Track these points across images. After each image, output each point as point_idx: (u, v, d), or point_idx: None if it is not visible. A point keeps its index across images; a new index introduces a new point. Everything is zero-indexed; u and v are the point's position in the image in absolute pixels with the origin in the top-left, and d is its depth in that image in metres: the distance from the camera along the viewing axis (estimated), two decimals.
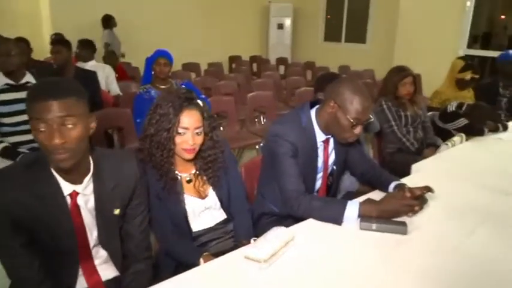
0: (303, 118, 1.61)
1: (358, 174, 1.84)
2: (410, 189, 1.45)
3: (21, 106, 2.41)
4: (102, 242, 1.23)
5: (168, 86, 3.11)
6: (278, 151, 1.55)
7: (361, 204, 1.43)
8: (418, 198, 1.45)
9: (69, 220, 1.13)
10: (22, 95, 2.44)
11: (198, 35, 7.61)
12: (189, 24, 7.51)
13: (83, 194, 1.16)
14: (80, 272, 1.21)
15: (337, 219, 1.40)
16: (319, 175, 1.69)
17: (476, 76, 3.23)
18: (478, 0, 5.61)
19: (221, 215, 1.55)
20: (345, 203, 1.42)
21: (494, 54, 5.37)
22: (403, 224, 1.37)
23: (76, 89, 1.06)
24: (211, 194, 1.52)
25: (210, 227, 1.52)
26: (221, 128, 3.99)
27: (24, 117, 2.42)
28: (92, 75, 3.38)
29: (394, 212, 1.42)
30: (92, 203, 1.18)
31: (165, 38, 6.98)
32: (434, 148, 2.58)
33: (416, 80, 2.72)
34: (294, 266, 1.17)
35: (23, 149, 2.43)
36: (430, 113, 2.99)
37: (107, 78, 3.97)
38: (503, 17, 6.44)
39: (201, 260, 1.36)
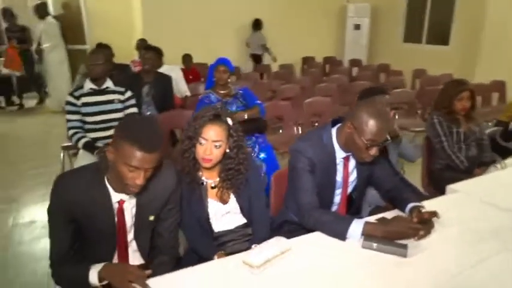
0: (324, 135, 1.71)
1: (383, 191, 1.87)
2: (419, 214, 1.47)
3: (101, 108, 2.86)
4: (136, 238, 1.50)
5: (227, 91, 3.35)
6: (297, 166, 1.68)
7: (367, 223, 1.49)
8: (426, 223, 1.47)
9: (113, 220, 1.42)
10: (102, 98, 2.89)
11: (274, 35, 7.81)
12: (264, 25, 7.75)
13: (128, 202, 1.43)
14: (115, 257, 1.49)
15: (341, 235, 1.49)
16: (339, 190, 1.77)
17: None
18: None
19: (241, 219, 1.73)
20: (351, 220, 1.50)
21: None
22: (405, 246, 1.41)
23: (160, 144, 1.29)
24: (233, 200, 1.70)
25: (230, 229, 1.71)
26: (280, 131, 4.17)
27: (103, 117, 2.87)
28: (168, 80, 3.79)
29: (399, 234, 1.46)
30: (134, 209, 1.45)
31: (237, 39, 7.34)
32: (486, 168, 2.44)
33: (474, 94, 2.58)
34: (286, 275, 1.30)
35: (100, 144, 2.86)
36: (492, 129, 2.82)
37: (176, 80, 4.37)
38: None
39: (215, 256, 1.56)
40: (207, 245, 1.65)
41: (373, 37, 8.55)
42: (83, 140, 2.79)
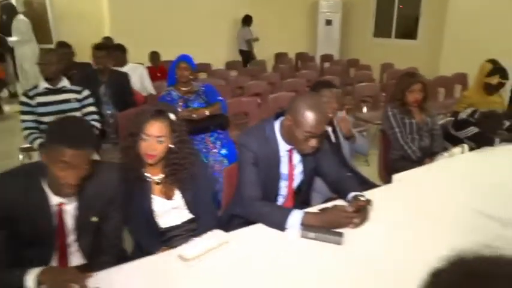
0: (267, 129, 1.73)
1: (329, 182, 1.91)
2: (355, 202, 1.51)
3: (57, 107, 2.81)
4: (78, 239, 1.48)
5: (189, 88, 3.34)
6: (241, 159, 1.70)
7: (306, 213, 1.52)
8: (359, 211, 1.51)
9: (52, 223, 1.40)
10: (58, 97, 2.84)
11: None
12: (236, 22, 7.74)
13: (69, 204, 1.42)
14: (55, 259, 1.48)
15: (281, 225, 1.51)
16: (284, 183, 1.80)
17: (504, 81, 3.05)
18: None
19: (187, 215, 1.73)
20: (290, 210, 1.53)
21: None
22: (340, 234, 1.44)
23: (90, 142, 1.30)
24: (178, 196, 1.70)
25: (177, 225, 1.72)
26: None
27: (60, 116, 2.81)
28: (124, 77, 3.74)
29: (335, 223, 1.50)
30: (74, 211, 1.43)
31: (212, 35, 7.33)
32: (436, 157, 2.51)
33: (426, 87, 2.65)
34: (223, 267, 1.31)
35: None
36: (446, 119, 2.90)
37: (140, 78, 4.34)
38: None
39: (159, 252, 1.56)
40: (152, 241, 1.65)
41: (345, 32, 8.65)
42: (38, 141, 2.74)
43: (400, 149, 2.64)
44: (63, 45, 4.28)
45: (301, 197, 1.91)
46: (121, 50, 4.43)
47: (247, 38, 7.49)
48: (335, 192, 1.87)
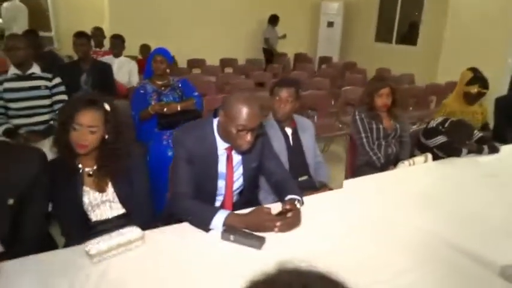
0: (205, 126, 1.69)
1: (271, 184, 1.86)
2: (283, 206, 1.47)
3: (26, 94, 2.79)
4: None
5: (164, 81, 3.30)
6: (175, 155, 1.65)
7: (230, 214, 1.47)
8: (286, 215, 1.45)
9: None
10: (27, 84, 2.81)
11: (249, 31, 7.78)
12: (237, 20, 7.69)
13: None
14: None
15: (205, 226, 1.46)
16: (222, 182, 1.74)
17: (484, 91, 2.94)
18: None
19: (120, 209, 1.69)
20: (215, 211, 1.48)
21: None
22: (261, 239, 1.38)
23: None
24: (111, 189, 1.66)
25: (108, 219, 1.67)
26: None
27: (28, 103, 2.79)
28: (107, 67, 3.73)
29: (257, 226, 1.44)
30: None
31: (213, 34, 7.29)
32: None
33: (395, 91, 2.57)
34: (127, 267, 1.26)
35: (23, 131, 2.79)
36: (417, 127, 2.81)
37: (129, 72, 4.34)
38: None
39: None
40: (81, 235, 1.61)
41: (346, 35, 8.55)
42: (4, 127, 2.72)
43: (366, 154, 2.57)
44: (31, 32, 4.28)
45: (245, 197, 1.85)
46: (121, 39, 4.49)
47: (266, 36, 7.56)
48: (276, 194, 1.82)
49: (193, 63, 6.39)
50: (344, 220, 1.62)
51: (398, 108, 2.65)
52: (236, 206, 1.80)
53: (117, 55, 4.47)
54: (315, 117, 4.34)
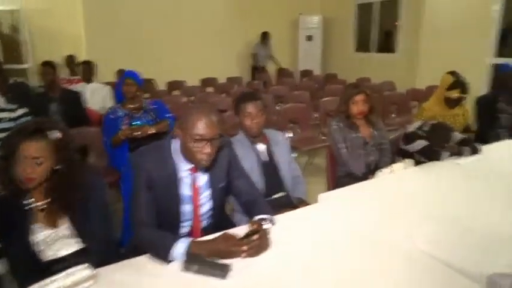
0: (164, 147, 1.58)
1: (241, 203, 1.75)
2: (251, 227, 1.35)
3: None
4: None
5: (137, 105, 3.20)
6: (134, 180, 1.53)
7: (191, 242, 1.34)
8: (250, 237, 1.33)
9: None
10: None
11: (228, 47, 7.77)
12: (218, 40, 7.68)
13: None
14: None
15: (164, 257, 1.33)
16: (188, 207, 1.62)
17: (465, 95, 2.89)
18: (507, 3, 5.01)
19: (75, 245, 1.55)
20: (175, 240, 1.35)
21: None
22: (225, 268, 1.26)
23: None
24: (66, 223, 1.53)
25: (62, 257, 1.53)
26: None
27: None
28: (75, 95, 3.63)
29: (223, 253, 1.32)
30: None
31: (193, 52, 7.27)
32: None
33: (370, 98, 2.49)
34: None
35: None
36: (397, 133, 2.73)
37: (103, 98, 4.24)
38: None
39: None
40: (34, 277, 1.46)
41: (326, 47, 8.59)
42: None
43: (345, 165, 2.47)
44: None
45: (216, 221, 1.73)
46: (88, 65, 4.42)
47: (253, 52, 7.71)
48: (246, 214, 1.70)
49: (173, 85, 6.32)
50: (318, 237, 1.50)
51: (375, 115, 2.57)
52: (207, 230, 1.67)
53: (88, 81, 4.38)
54: (298, 130, 4.27)
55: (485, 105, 3.25)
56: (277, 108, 4.48)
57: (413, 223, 1.58)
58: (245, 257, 1.33)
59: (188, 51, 7.28)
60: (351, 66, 7.78)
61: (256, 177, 2.08)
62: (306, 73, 7.61)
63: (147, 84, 6.44)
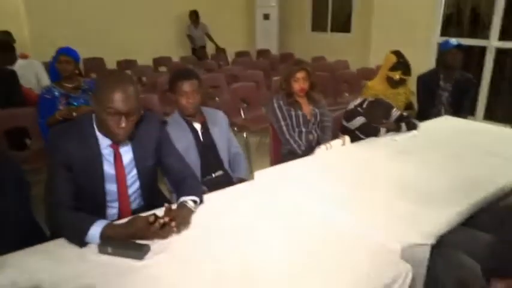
0: (84, 124, 1.49)
1: (170, 181, 1.70)
2: (168, 212, 1.31)
3: None
4: None
5: (75, 84, 3.02)
6: (49, 161, 1.44)
7: (108, 224, 1.29)
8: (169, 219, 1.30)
9: None
10: None
11: (181, 27, 7.52)
12: (171, 18, 7.41)
13: None
14: None
15: (79, 240, 1.27)
16: (112, 186, 1.55)
17: (406, 77, 2.94)
18: None
19: None
20: (91, 222, 1.28)
21: (473, 42, 4.97)
22: (144, 248, 1.22)
23: None
24: None
25: None
26: None
27: None
28: (8, 74, 3.38)
29: (139, 235, 1.27)
30: None
31: (144, 29, 6.97)
32: None
33: (310, 75, 2.48)
34: None
35: None
36: (340, 111, 2.75)
37: (36, 74, 3.97)
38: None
39: None
40: None
41: (283, 27, 8.52)
42: None
43: (287, 143, 2.47)
44: None
45: (148, 201, 1.67)
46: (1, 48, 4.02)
47: (187, 33, 7.34)
48: (175, 194, 1.65)
49: (122, 64, 6.05)
50: (245, 215, 1.49)
51: (317, 92, 2.57)
52: (139, 211, 1.61)
53: (9, 63, 3.94)
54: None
55: (425, 83, 3.34)
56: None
57: (341, 197, 1.60)
58: (163, 238, 1.29)
59: (139, 29, 6.98)
60: (307, 46, 7.78)
61: (193, 156, 2.04)
62: (263, 52, 7.53)
63: (96, 63, 6.18)
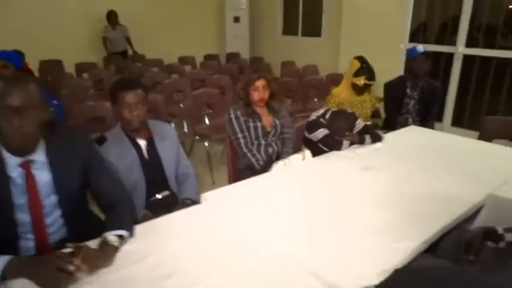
0: None
1: (102, 207, 1.48)
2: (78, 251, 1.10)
3: None
4: None
5: None
6: None
7: (14, 260, 1.08)
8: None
9: None
10: None
11: (150, 33, 7.21)
12: (145, 22, 7.11)
13: None
14: None
15: None
16: (24, 215, 1.31)
17: (370, 83, 2.82)
18: None
19: None
20: None
21: (441, 48, 4.96)
22: None
23: None
24: None
25: None
26: None
27: None
28: None
29: (44, 280, 1.06)
30: None
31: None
32: None
33: (270, 83, 2.32)
34: None
35: None
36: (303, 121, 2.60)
37: None
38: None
39: None
40: None
41: (254, 30, 8.36)
42: None
43: (245, 157, 2.29)
44: None
45: (77, 231, 1.45)
46: None
47: (127, 34, 6.58)
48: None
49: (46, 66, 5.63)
50: (192, 242, 1.30)
51: (277, 101, 2.40)
52: (64, 243, 1.39)
53: None
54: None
55: (392, 91, 3.24)
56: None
57: (295, 226, 1.43)
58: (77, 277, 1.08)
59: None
60: (278, 50, 7.65)
61: (137, 176, 1.83)
62: (232, 56, 7.34)
63: (53, 66, 5.78)
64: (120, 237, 1.27)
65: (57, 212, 1.39)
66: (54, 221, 1.39)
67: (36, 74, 5.30)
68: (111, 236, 1.25)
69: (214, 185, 3.42)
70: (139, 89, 1.79)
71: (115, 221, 1.32)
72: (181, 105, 4.57)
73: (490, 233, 1.30)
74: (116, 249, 1.23)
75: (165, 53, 6.75)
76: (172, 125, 4.36)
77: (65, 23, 6.38)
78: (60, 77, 4.96)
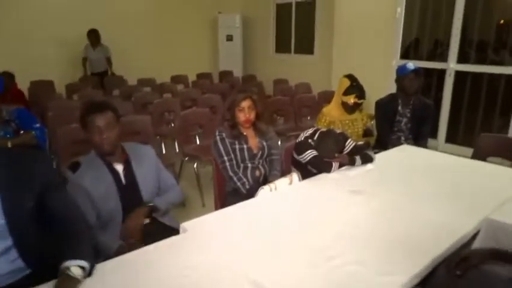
0: None
1: (54, 234, 1.33)
2: None
3: None
4: None
5: None
6: None
7: None
8: None
9: None
10: None
11: (142, 52, 7.21)
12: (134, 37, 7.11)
13: None
14: None
15: None
16: None
17: (360, 101, 2.77)
18: (409, 7, 5.13)
19: None
20: None
21: (433, 65, 4.94)
22: None
23: None
24: None
25: None
26: None
27: None
28: None
29: None
30: None
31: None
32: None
33: (256, 103, 2.24)
34: None
35: None
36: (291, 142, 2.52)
37: None
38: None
39: None
40: None
41: (247, 48, 8.38)
42: None
43: (230, 180, 2.20)
44: None
45: (35, 263, 1.34)
46: None
47: (108, 55, 6.40)
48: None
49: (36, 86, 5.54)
50: (169, 275, 1.19)
51: (264, 122, 2.33)
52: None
53: None
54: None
55: (384, 109, 3.17)
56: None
57: (278, 260, 1.33)
58: None
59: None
60: (271, 68, 7.65)
61: (114, 203, 1.74)
62: (225, 74, 7.32)
63: (44, 87, 5.70)
64: (82, 268, 1.16)
65: (5, 243, 1.27)
66: (3, 250, 1.27)
67: (27, 94, 5.27)
68: (74, 267, 1.14)
69: (204, 207, 3.32)
70: (108, 111, 1.72)
71: (74, 250, 1.20)
72: (173, 125, 4.51)
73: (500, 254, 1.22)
74: (77, 283, 1.12)
75: (158, 72, 6.74)
76: (163, 145, 4.31)
77: (55, 42, 6.37)
78: (50, 99, 4.88)
